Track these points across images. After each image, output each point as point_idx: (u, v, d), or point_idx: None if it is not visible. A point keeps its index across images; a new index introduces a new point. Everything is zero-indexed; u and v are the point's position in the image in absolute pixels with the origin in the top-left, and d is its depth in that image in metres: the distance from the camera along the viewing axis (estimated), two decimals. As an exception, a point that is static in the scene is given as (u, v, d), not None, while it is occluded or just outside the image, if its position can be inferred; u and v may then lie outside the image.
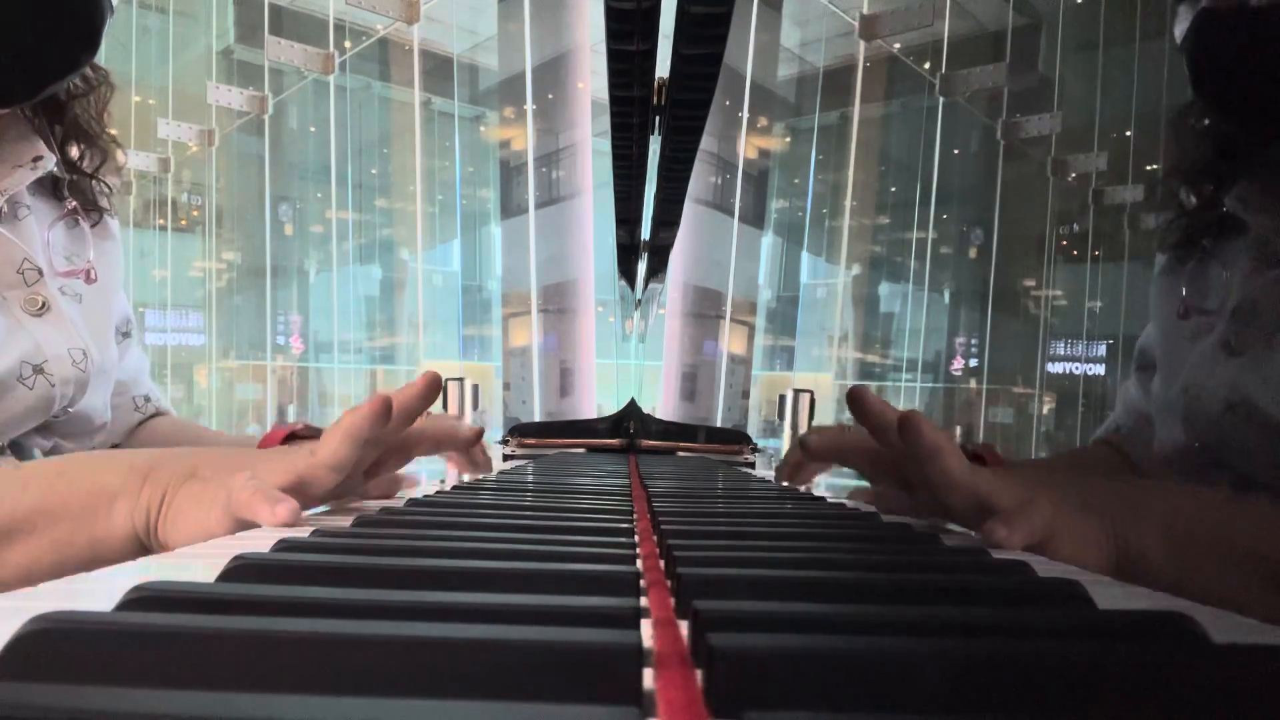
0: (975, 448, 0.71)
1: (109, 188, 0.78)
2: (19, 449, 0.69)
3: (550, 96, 4.21)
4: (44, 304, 0.66)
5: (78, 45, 0.64)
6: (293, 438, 0.80)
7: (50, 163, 0.69)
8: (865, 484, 0.74)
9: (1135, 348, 0.86)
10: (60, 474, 0.49)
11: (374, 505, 0.58)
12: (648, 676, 0.21)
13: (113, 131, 0.77)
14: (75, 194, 0.74)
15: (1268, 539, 0.46)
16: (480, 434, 0.76)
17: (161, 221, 5.83)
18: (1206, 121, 0.72)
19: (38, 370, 0.65)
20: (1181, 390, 0.70)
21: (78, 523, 0.47)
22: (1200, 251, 0.73)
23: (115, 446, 0.83)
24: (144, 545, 0.48)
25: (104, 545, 0.47)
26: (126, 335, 0.83)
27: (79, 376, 0.68)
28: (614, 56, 0.61)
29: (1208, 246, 0.72)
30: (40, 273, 0.66)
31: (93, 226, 0.76)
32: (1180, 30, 0.65)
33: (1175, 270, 0.75)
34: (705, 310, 4.29)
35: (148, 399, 0.88)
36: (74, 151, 0.75)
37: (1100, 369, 5.92)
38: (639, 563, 0.36)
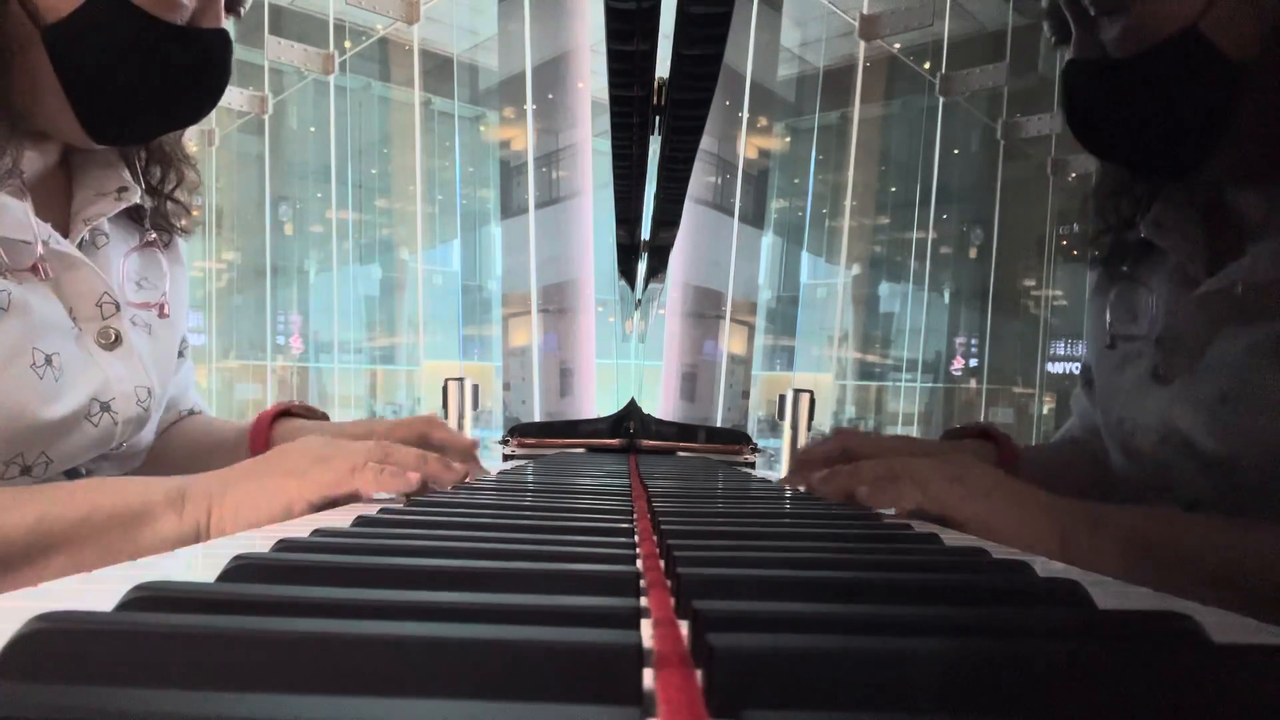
0: (983, 426, 0.85)
1: (187, 209, 0.78)
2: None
3: (550, 96, 4.21)
4: (116, 337, 0.65)
5: (206, 103, 0.68)
6: (287, 414, 0.82)
7: (135, 195, 0.69)
8: None
9: (1081, 366, 0.87)
10: (102, 490, 0.52)
11: (374, 505, 0.58)
12: (648, 676, 0.21)
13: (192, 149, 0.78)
14: (154, 221, 0.74)
15: (1218, 555, 0.48)
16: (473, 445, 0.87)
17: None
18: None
19: (105, 408, 0.64)
20: (1118, 421, 0.71)
21: (124, 531, 0.50)
22: (1123, 276, 0.73)
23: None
24: (196, 541, 0.52)
25: (149, 553, 0.51)
26: (181, 354, 0.83)
27: (140, 415, 0.67)
28: (614, 56, 0.61)
29: (1128, 271, 0.72)
30: (117, 306, 0.65)
31: (167, 249, 0.76)
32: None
33: (1101, 296, 0.76)
34: (705, 310, 4.29)
35: (191, 412, 0.88)
36: (156, 173, 0.75)
37: (1100, 369, 5.90)
38: (639, 563, 0.36)
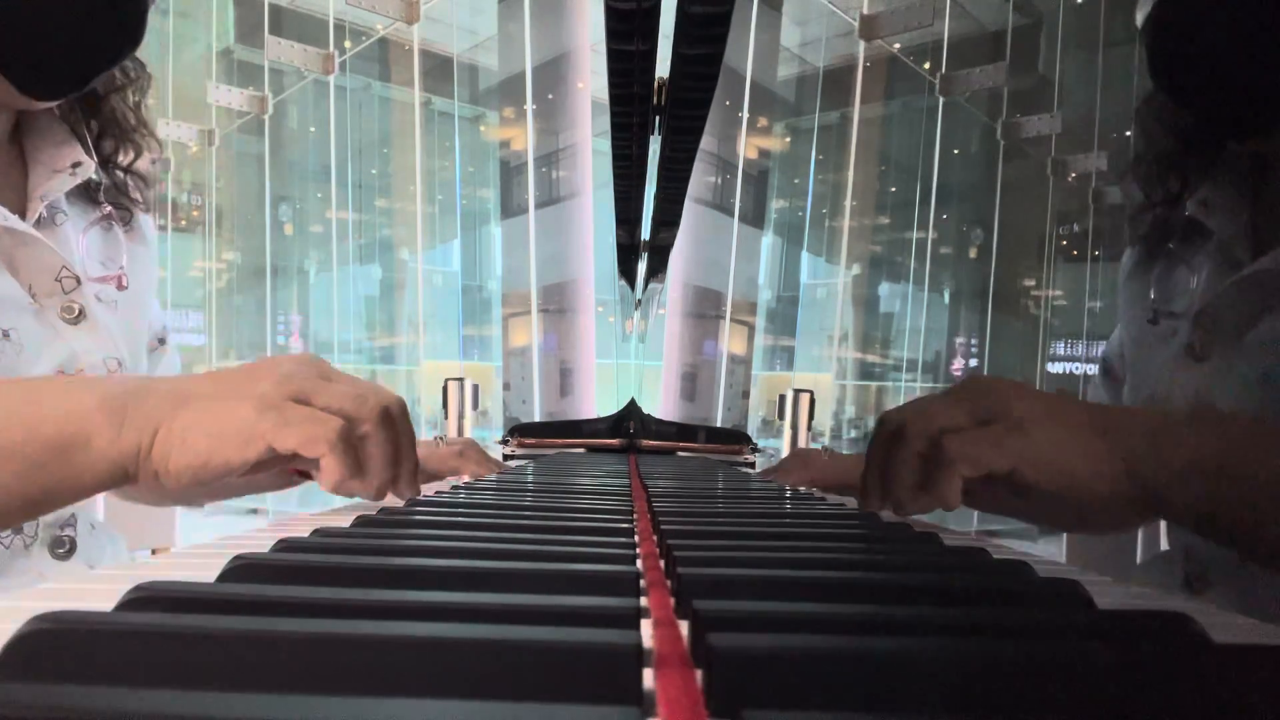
0: None
1: (145, 182, 0.77)
2: None
3: (550, 96, 4.20)
4: (80, 312, 0.66)
5: (120, 37, 0.64)
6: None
7: (89, 169, 0.69)
8: None
9: (1100, 355, 0.86)
10: (22, 395, 0.45)
11: (374, 505, 0.58)
12: (648, 676, 0.21)
13: (152, 126, 0.77)
14: (109, 196, 0.74)
15: None
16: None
17: (161, 221, 5.83)
18: (1170, 115, 0.72)
19: None
20: (1148, 398, 0.70)
21: (51, 450, 0.44)
22: (1167, 254, 0.72)
23: None
24: (129, 473, 0.45)
25: (80, 480, 0.45)
26: (162, 342, 0.83)
27: None
28: (614, 56, 0.61)
29: (1174, 249, 0.72)
30: (78, 280, 0.66)
31: (126, 229, 0.75)
32: (1141, 16, 0.64)
33: (1143, 274, 0.75)
34: (705, 310, 4.28)
35: None
36: (109, 146, 0.74)
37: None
38: (639, 563, 0.36)
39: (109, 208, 0.73)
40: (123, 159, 0.75)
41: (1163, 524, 0.81)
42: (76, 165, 0.68)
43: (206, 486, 0.46)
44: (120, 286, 0.72)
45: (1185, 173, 0.71)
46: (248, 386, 0.45)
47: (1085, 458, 0.44)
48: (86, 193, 0.73)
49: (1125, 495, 0.44)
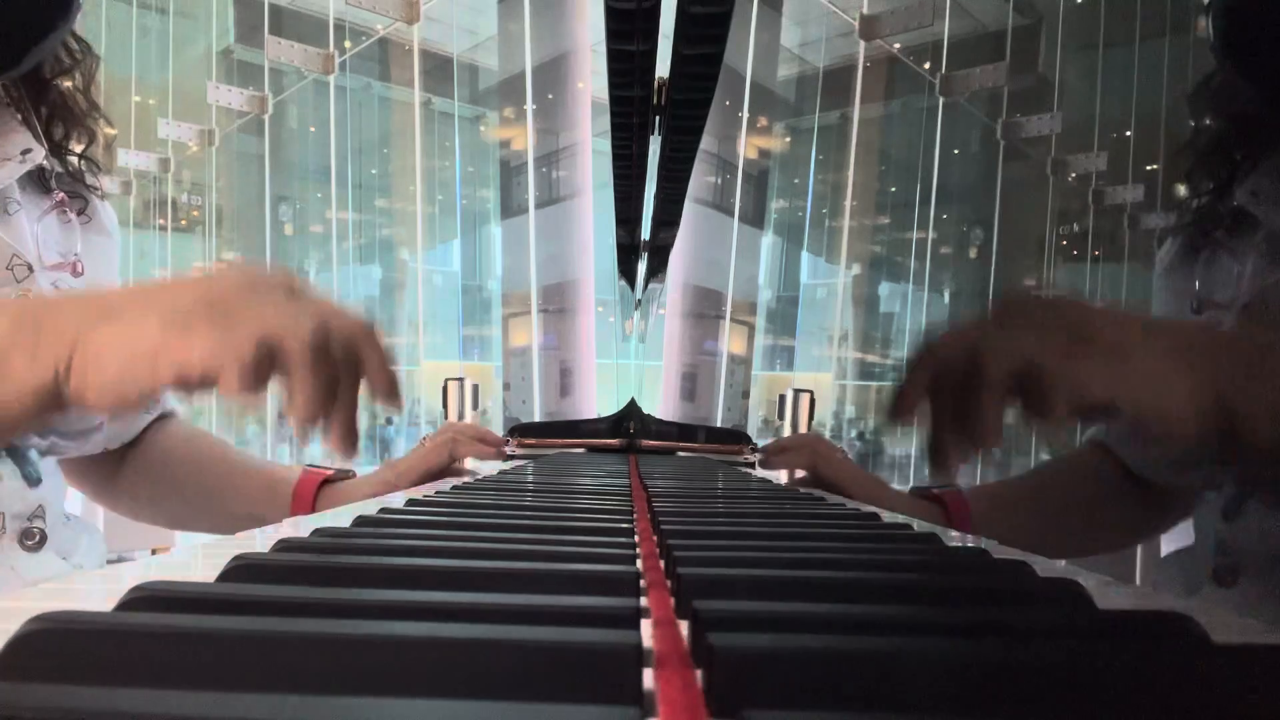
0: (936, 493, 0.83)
1: (98, 167, 0.76)
2: (12, 449, 0.67)
3: (550, 96, 4.21)
4: None
5: (51, 7, 0.62)
6: (327, 482, 0.81)
7: (39, 155, 0.67)
8: None
9: None
10: None
11: (374, 505, 0.58)
12: (648, 676, 0.21)
13: (103, 111, 0.75)
14: (62, 183, 0.72)
15: None
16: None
17: (161, 221, 5.83)
18: (1225, 100, 0.70)
19: None
20: None
21: None
22: (1213, 244, 0.71)
23: (127, 447, 0.82)
24: (55, 397, 0.42)
25: (8, 407, 0.42)
26: None
27: None
28: (614, 56, 0.61)
29: (1220, 239, 0.70)
30: (30, 268, 0.65)
31: (80, 215, 0.74)
32: None
33: (1185, 264, 0.74)
34: (705, 310, 4.29)
35: (163, 412, 0.87)
36: (59, 132, 0.72)
37: (1100, 369, 5.92)
38: (639, 563, 0.36)
39: (61, 195, 0.72)
40: (75, 145, 0.74)
41: (1188, 521, 0.80)
42: (26, 152, 0.66)
43: (134, 409, 0.43)
44: (75, 273, 0.71)
45: (1235, 161, 0.70)
46: (168, 301, 0.41)
47: (1181, 389, 0.39)
48: (40, 181, 0.71)
49: (1215, 427, 0.40)
